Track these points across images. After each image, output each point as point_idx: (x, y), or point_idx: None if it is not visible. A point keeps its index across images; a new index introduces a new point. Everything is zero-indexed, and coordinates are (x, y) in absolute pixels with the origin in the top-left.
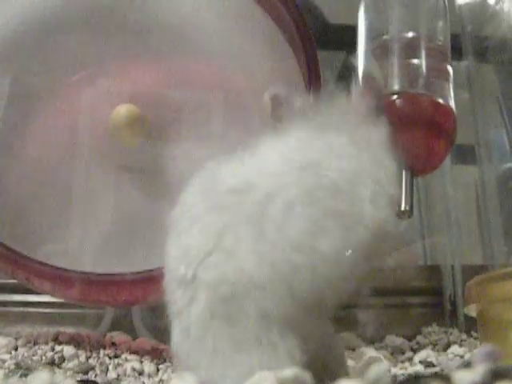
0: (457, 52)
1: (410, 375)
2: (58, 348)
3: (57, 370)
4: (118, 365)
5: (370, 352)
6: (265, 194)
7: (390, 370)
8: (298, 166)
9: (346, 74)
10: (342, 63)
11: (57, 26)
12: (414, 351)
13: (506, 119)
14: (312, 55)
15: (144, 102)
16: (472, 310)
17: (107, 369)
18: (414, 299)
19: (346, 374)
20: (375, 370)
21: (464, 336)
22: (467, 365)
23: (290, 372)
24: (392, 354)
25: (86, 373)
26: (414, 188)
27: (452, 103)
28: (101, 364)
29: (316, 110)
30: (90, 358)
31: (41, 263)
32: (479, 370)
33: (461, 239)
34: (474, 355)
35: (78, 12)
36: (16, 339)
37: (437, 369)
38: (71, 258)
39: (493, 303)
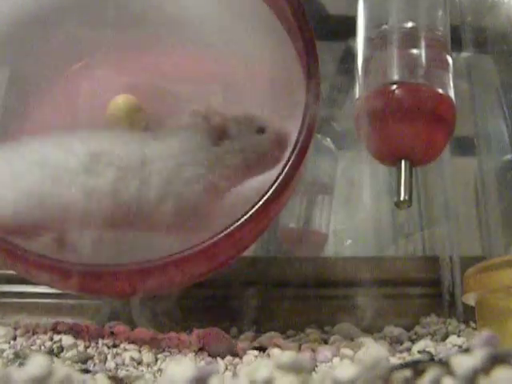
0: (456, 43)
1: (408, 360)
2: (56, 338)
3: (55, 359)
4: (117, 354)
5: (368, 342)
6: None
7: (388, 357)
8: None
9: (345, 64)
10: (342, 54)
11: (55, 15)
12: (413, 341)
13: (505, 111)
14: (310, 44)
15: (142, 93)
16: (470, 299)
17: (106, 358)
18: (413, 290)
19: None
20: (373, 355)
21: (462, 326)
22: (466, 350)
23: (287, 357)
24: (390, 344)
25: (85, 362)
26: (413, 179)
27: (452, 93)
28: (99, 353)
29: None
30: (88, 347)
31: (38, 255)
32: (478, 355)
33: (459, 230)
34: (473, 341)
35: (76, 2)
36: (15, 329)
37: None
38: (69, 250)
39: (491, 291)
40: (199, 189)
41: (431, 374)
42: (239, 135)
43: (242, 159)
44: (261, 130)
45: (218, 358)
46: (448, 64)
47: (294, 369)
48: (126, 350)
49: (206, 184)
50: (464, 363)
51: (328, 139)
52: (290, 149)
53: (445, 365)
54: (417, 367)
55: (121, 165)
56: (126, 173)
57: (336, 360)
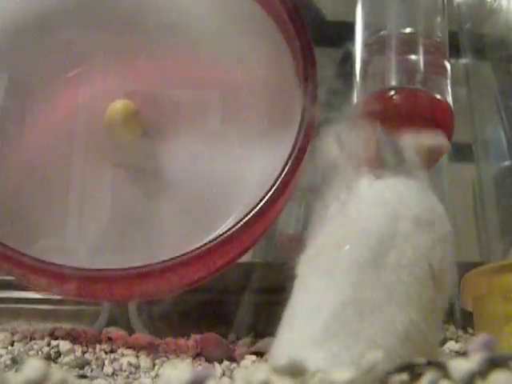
0: (455, 49)
1: (405, 364)
2: (53, 343)
3: (53, 364)
4: (114, 360)
5: None
6: None
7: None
8: None
9: (343, 69)
10: (340, 59)
11: (52, 22)
12: None
13: (503, 117)
14: (308, 48)
15: (141, 99)
16: (468, 304)
17: (103, 363)
18: None
19: None
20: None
21: (460, 332)
22: (463, 354)
23: (285, 361)
24: None
25: (82, 367)
26: None
27: (450, 99)
28: (97, 359)
29: None
30: (86, 352)
31: (37, 260)
32: (475, 359)
33: (457, 236)
34: (470, 344)
35: (74, 8)
36: (12, 334)
37: None
38: (67, 254)
39: (489, 297)
40: None
41: (428, 377)
42: None
43: None
44: None
45: (216, 363)
46: (446, 70)
47: (291, 372)
48: (123, 355)
49: None
50: (461, 367)
51: None
52: (287, 153)
53: (442, 368)
54: (414, 370)
55: None
56: None
57: None
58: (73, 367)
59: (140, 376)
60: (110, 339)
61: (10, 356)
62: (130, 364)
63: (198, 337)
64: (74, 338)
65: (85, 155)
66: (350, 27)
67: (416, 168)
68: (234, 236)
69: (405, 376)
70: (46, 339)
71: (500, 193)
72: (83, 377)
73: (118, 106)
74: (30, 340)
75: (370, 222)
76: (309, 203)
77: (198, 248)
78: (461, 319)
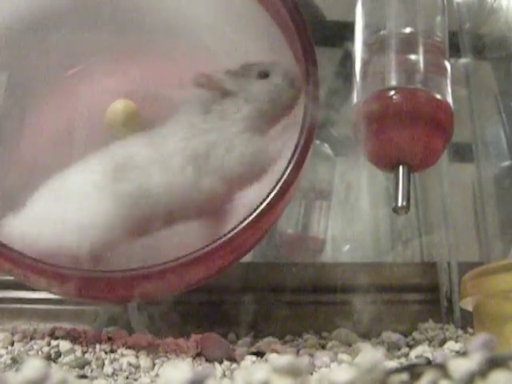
0: (455, 49)
1: (405, 364)
2: (54, 343)
3: (53, 364)
4: (114, 360)
5: (365, 348)
6: None
7: (384, 361)
8: None
9: (343, 69)
10: (340, 59)
11: (53, 22)
12: (410, 347)
13: (503, 117)
14: (309, 49)
15: (141, 99)
16: (468, 304)
17: (103, 364)
18: (411, 296)
19: None
20: (369, 358)
21: (460, 332)
22: (463, 353)
23: (284, 360)
24: (388, 349)
25: (82, 367)
26: (411, 184)
27: (449, 99)
28: (97, 359)
29: None
30: (86, 352)
31: (37, 260)
32: (475, 359)
33: (457, 236)
34: (470, 344)
35: (74, 8)
36: (12, 334)
37: None
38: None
39: (489, 296)
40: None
41: (428, 377)
42: (240, 87)
43: (251, 109)
44: (263, 75)
45: (216, 364)
46: (446, 70)
47: (291, 372)
48: (123, 355)
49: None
50: (461, 367)
51: (326, 145)
52: (289, 154)
53: (442, 368)
54: (414, 371)
55: (144, 165)
56: (150, 171)
57: (334, 365)
58: (73, 367)
59: (140, 376)
60: (110, 339)
61: (10, 356)
62: (129, 364)
63: (197, 337)
64: (74, 338)
65: (85, 154)
66: (350, 27)
67: None
68: (236, 237)
69: (405, 376)
70: (46, 339)
71: (500, 192)
72: (83, 377)
73: (118, 105)
74: (30, 340)
75: None
76: (308, 204)
77: (198, 249)
78: (461, 319)
